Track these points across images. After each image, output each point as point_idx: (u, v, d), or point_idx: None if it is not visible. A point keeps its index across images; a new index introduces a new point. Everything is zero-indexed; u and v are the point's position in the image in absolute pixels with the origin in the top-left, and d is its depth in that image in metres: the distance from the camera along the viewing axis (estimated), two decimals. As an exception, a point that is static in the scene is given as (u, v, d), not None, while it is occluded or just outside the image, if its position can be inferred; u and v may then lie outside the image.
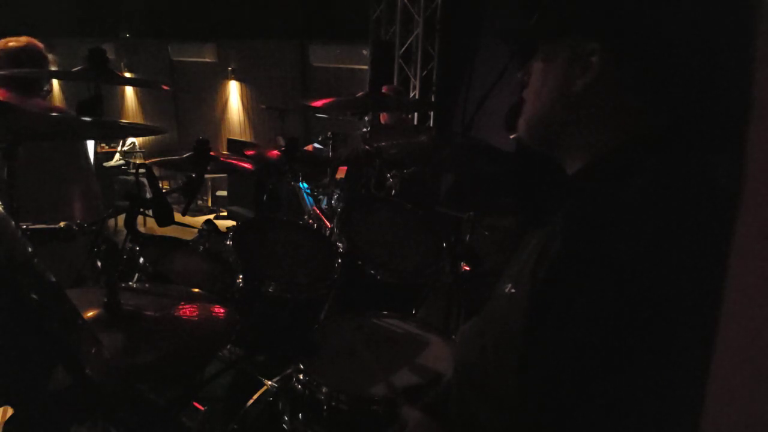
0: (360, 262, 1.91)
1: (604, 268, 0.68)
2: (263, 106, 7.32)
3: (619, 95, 0.79)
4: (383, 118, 3.77)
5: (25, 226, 1.51)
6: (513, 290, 0.82)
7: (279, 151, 2.56)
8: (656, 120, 0.79)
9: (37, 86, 2.46)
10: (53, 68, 2.56)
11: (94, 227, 1.67)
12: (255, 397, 1.64)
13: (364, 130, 3.25)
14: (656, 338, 0.67)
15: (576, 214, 0.77)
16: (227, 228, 2.08)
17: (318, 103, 2.50)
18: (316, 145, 3.92)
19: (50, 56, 2.49)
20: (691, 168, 0.74)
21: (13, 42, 2.39)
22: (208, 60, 9.13)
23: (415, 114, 5.24)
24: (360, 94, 2.42)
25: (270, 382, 1.65)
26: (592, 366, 0.68)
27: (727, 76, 0.70)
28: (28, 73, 2.39)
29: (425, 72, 5.49)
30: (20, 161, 2.05)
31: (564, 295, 0.71)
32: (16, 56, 2.36)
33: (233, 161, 2.22)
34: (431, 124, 5.14)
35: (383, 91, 4.06)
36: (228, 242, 1.91)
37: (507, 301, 0.82)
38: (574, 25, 0.81)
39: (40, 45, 2.45)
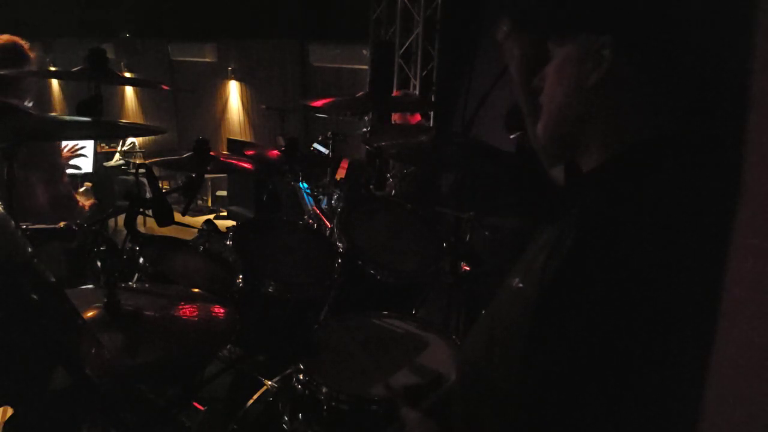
0: (360, 262, 1.91)
1: (616, 265, 0.68)
2: (263, 106, 7.31)
3: (633, 91, 0.79)
4: (398, 118, 3.78)
5: (25, 226, 1.51)
6: (521, 285, 0.82)
7: (279, 151, 2.56)
8: (670, 118, 0.79)
9: (15, 86, 2.37)
10: (33, 67, 2.48)
11: (94, 227, 1.67)
12: (255, 397, 1.64)
13: (364, 130, 3.26)
14: (664, 337, 0.67)
15: (591, 212, 0.77)
16: (227, 228, 2.08)
17: (318, 103, 2.50)
18: (316, 146, 3.92)
19: (33, 54, 2.41)
20: (707, 168, 0.74)
21: None
22: (208, 60, 9.12)
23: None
24: (360, 94, 2.42)
25: (270, 382, 1.65)
26: (597, 362, 0.68)
27: (740, 74, 0.70)
28: (26, 73, 2.38)
29: (425, 72, 5.49)
30: None
31: (574, 290, 0.71)
32: None
33: (233, 161, 2.22)
34: (431, 124, 5.15)
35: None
36: (228, 242, 1.91)
37: (514, 295, 0.82)
38: (587, 18, 0.81)
39: (23, 43, 2.39)
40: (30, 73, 2.40)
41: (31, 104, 2.43)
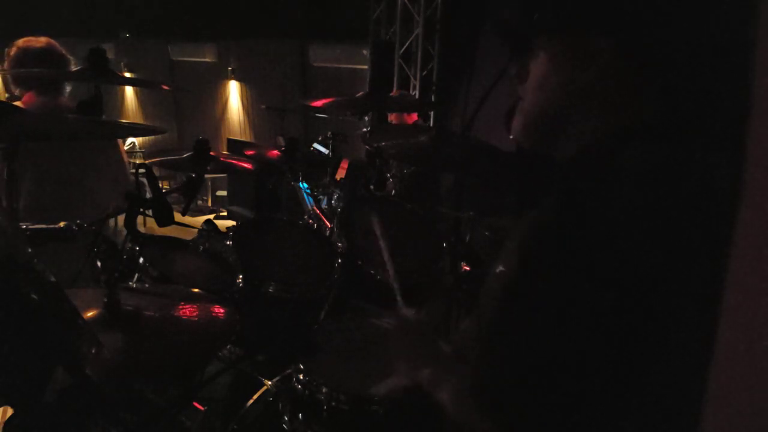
0: (360, 262, 1.91)
1: (592, 245, 0.69)
2: (263, 106, 7.32)
3: (619, 89, 0.81)
4: (395, 118, 3.78)
5: (24, 226, 1.51)
6: (502, 268, 0.83)
7: (279, 151, 2.56)
8: (652, 112, 0.81)
9: (61, 87, 2.43)
10: (73, 68, 2.53)
11: (94, 227, 1.67)
12: (255, 397, 1.63)
13: (364, 130, 3.25)
14: (641, 322, 0.68)
15: (565, 192, 0.79)
16: (227, 228, 2.08)
17: (318, 103, 2.49)
18: (316, 146, 3.92)
19: (72, 59, 2.48)
20: (682, 157, 0.76)
21: (33, 42, 2.37)
22: (208, 60, 9.13)
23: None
24: (360, 94, 2.42)
25: (270, 382, 1.65)
26: (574, 343, 0.69)
27: (729, 74, 0.71)
28: (29, 73, 2.39)
29: (425, 72, 5.49)
30: (47, 160, 2.15)
31: (549, 271, 0.72)
32: (36, 56, 2.34)
33: (233, 161, 2.22)
34: (431, 124, 5.15)
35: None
36: (228, 242, 1.91)
37: (497, 280, 0.84)
38: (578, 19, 0.82)
39: (58, 45, 2.43)
40: (30, 72, 2.40)
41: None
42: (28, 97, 2.35)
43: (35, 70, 2.37)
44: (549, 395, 0.70)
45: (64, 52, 2.43)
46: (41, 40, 2.39)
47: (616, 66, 0.79)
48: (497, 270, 0.87)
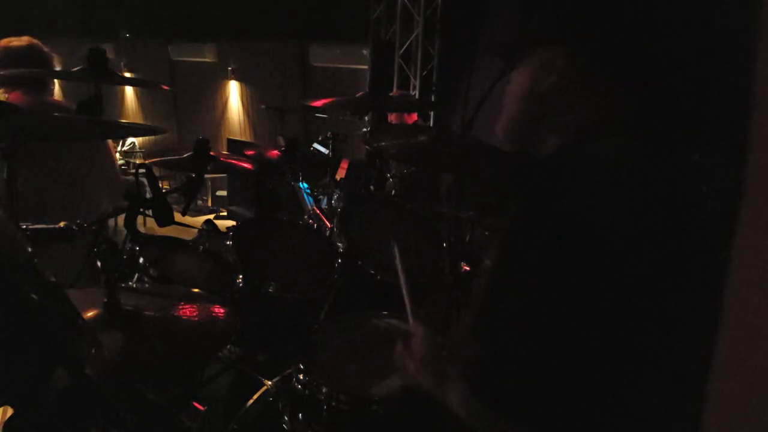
0: (360, 262, 1.91)
1: (566, 234, 0.73)
2: (263, 106, 7.32)
3: (581, 93, 0.87)
4: (395, 118, 3.78)
5: (25, 226, 1.51)
6: (489, 263, 0.89)
7: (279, 151, 2.56)
8: (625, 112, 0.86)
9: (47, 84, 2.43)
10: (58, 67, 2.54)
11: (94, 227, 1.67)
12: (255, 397, 1.63)
13: (364, 130, 3.25)
14: (605, 309, 0.70)
15: (541, 188, 0.83)
16: (227, 228, 2.08)
17: (318, 103, 2.50)
18: (316, 146, 3.92)
19: (56, 57, 2.48)
20: (657, 154, 0.80)
21: (15, 42, 2.36)
22: (208, 60, 9.12)
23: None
24: (360, 94, 2.42)
25: (270, 382, 1.65)
26: (567, 331, 0.71)
27: (707, 74, 0.75)
28: (27, 73, 2.39)
29: (425, 72, 5.49)
30: (38, 159, 2.13)
31: (529, 260, 0.76)
32: (19, 56, 2.33)
33: (233, 161, 2.22)
34: (431, 124, 5.15)
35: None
36: (228, 242, 1.91)
37: (484, 274, 0.90)
38: (538, 32, 0.91)
39: (40, 44, 2.43)
40: (31, 72, 2.40)
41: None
42: (14, 96, 2.34)
43: (35, 71, 2.36)
44: (545, 391, 0.71)
45: (46, 50, 2.43)
46: (23, 39, 2.38)
47: (577, 72, 0.85)
48: (486, 265, 0.90)
